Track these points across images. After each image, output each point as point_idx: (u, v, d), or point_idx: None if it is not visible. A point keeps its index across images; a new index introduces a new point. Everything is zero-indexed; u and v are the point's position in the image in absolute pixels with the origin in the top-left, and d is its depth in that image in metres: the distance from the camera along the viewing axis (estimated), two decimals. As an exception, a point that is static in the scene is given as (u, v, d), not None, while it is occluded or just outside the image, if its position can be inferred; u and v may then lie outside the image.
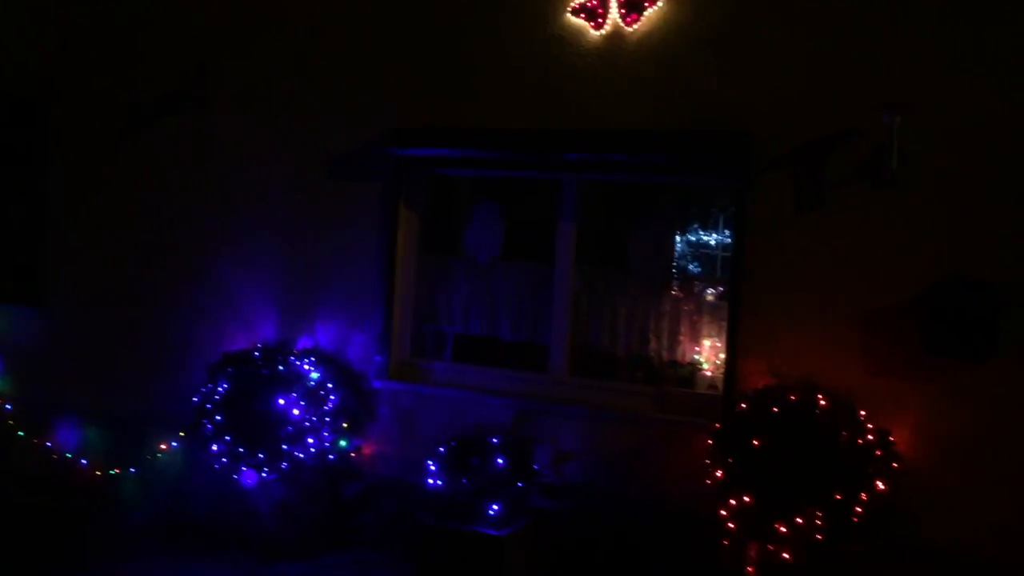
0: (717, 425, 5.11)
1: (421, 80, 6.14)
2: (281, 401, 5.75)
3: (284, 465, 5.75)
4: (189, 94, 6.61)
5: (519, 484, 5.42)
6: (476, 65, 6.01)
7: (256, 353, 6.07)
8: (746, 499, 4.77)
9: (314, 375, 5.97)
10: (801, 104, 5.25)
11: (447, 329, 6.38)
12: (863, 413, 4.93)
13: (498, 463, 5.37)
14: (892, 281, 5.05)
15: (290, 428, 5.72)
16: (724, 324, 5.54)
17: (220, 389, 5.87)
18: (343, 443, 6.03)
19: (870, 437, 4.82)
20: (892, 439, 4.90)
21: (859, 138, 5.09)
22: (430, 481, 5.45)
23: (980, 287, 4.73)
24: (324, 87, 6.39)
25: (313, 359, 6.07)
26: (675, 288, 5.97)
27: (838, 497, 4.63)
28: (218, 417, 5.81)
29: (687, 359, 5.85)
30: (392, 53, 6.22)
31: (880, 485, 4.73)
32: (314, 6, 6.46)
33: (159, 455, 6.47)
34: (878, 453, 4.80)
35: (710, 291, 6.00)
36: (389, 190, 6.20)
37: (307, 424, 5.78)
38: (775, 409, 4.92)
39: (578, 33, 5.75)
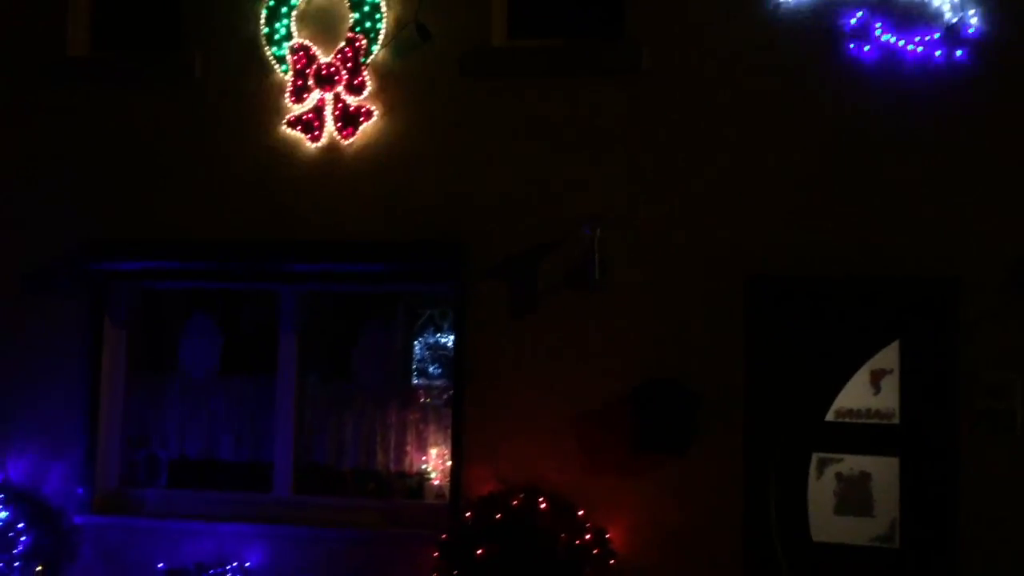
0: (444, 536, 5.05)
1: (128, 189, 5.81)
2: (-42, 549, 5.08)
3: (-39, 624, 5.05)
4: None
5: (239, 618, 5.08)
6: (189, 174, 5.77)
7: (-71, 495, 5.35)
8: (472, 611, 4.73)
9: (1, 515, 5.33)
10: (514, 215, 5.45)
11: (161, 453, 5.93)
12: (581, 513, 5.07)
13: (214, 598, 5.01)
14: (603, 384, 5.27)
15: (-32, 580, 5.06)
16: (450, 432, 5.55)
17: None
18: (37, 591, 5.40)
19: (587, 536, 4.95)
20: (608, 536, 5.06)
21: (566, 248, 5.35)
22: (138, 626, 4.98)
23: (676, 387, 5.05)
24: (21, 192, 5.89)
25: (1, 497, 5.43)
26: (403, 397, 5.91)
27: (559, 600, 4.70)
28: None
29: (415, 469, 5.78)
30: (98, 160, 5.86)
31: (598, 583, 4.85)
32: (9, 109, 5.99)
33: None
34: (595, 552, 4.93)
35: (441, 398, 5.97)
36: (91, 305, 5.77)
37: (-10, 574, 5.14)
38: (498, 516, 4.95)
39: (296, 145, 5.68)
